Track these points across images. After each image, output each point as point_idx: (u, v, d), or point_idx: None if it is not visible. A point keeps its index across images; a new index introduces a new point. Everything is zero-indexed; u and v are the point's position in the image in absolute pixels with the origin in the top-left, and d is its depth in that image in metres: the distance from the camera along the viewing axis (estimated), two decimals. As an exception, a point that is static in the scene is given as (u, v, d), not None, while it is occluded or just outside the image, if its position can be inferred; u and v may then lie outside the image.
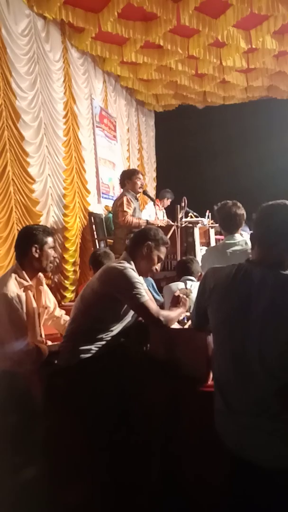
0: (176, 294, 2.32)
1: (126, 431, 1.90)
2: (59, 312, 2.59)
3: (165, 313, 2.11)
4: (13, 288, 2.12)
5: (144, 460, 1.87)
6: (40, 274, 2.35)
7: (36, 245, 2.21)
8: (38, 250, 2.22)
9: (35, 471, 1.89)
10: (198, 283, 2.97)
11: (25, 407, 1.97)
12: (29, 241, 2.22)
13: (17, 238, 2.33)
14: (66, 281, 5.35)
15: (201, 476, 1.74)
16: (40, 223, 4.43)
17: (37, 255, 2.22)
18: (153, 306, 2.11)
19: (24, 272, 2.21)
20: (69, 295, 5.38)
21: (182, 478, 1.83)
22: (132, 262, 2.19)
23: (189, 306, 2.33)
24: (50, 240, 2.28)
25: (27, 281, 2.20)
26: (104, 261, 3.04)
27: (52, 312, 2.53)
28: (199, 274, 3.21)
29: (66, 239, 5.38)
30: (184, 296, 2.29)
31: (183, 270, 3.20)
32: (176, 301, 2.27)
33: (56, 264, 5.18)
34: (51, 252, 2.28)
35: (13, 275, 2.17)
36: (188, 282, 3.00)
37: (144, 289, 2.15)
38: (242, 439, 1.41)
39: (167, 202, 6.69)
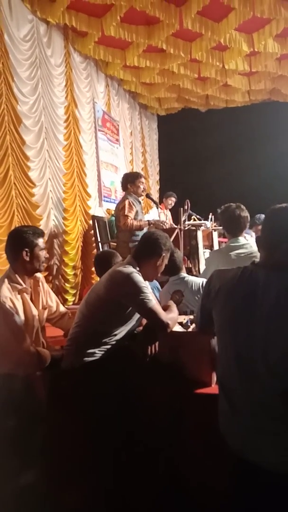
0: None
1: (130, 434, 1.89)
2: (64, 310, 2.52)
3: (170, 316, 2.11)
4: (6, 293, 2.10)
5: (147, 462, 1.85)
6: (38, 275, 2.32)
7: (26, 249, 2.17)
8: (28, 253, 2.18)
9: (37, 474, 1.88)
10: (189, 277, 2.94)
11: (27, 409, 1.95)
12: (19, 245, 2.18)
13: (7, 242, 2.27)
14: (66, 284, 5.34)
15: (205, 478, 1.72)
16: (40, 227, 4.42)
17: (28, 259, 2.18)
18: (161, 310, 2.10)
19: (17, 276, 2.18)
20: (70, 298, 5.37)
21: (186, 480, 1.81)
22: (137, 267, 2.17)
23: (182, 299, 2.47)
24: (40, 241, 2.23)
25: (20, 284, 2.18)
26: (107, 263, 2.98)
27: (56, 311, 2.47)
28: (183, 258, 3.07)
29: (66, 242, 5.38)
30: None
31: (170, 270, 2.88)
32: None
33: (56, 266, 5.18)
34: (42, 253, 2.23)
35: (6, 280, 2.15)
36: (177, 285, 2.90)
37: (150, 292, 2.14)
38: (246, 441, 1.39)
39: (171, 201, 6.64)
